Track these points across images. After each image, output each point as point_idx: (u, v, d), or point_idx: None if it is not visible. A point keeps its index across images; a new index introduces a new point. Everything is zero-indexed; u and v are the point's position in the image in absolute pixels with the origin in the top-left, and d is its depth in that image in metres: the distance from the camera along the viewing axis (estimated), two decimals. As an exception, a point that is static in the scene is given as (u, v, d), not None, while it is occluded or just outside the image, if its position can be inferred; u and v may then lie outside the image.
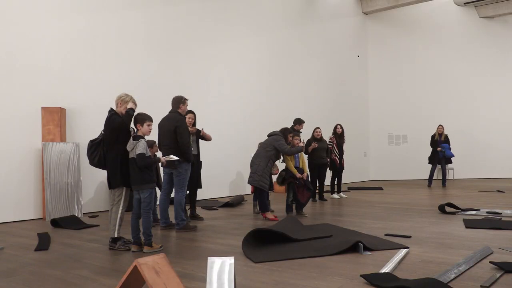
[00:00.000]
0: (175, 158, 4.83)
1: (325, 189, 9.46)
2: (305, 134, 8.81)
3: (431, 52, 15.81)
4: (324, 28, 14.14)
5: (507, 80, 15.57)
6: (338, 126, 9.50)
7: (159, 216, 6.12)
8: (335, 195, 9.52)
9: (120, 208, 4.60)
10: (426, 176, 14.65)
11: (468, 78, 15.61)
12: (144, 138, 4.48)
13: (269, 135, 6.91)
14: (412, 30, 16.03)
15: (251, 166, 6.74)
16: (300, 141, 7.28)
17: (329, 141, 9.29)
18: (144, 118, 4.48)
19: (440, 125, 11.80)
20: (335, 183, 9.59)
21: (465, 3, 15.72)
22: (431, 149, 12.01)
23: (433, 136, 11.83)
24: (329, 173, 9.47)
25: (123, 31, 8.47)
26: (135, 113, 4.59)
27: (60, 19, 7.54)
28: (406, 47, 15.95)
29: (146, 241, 4.41)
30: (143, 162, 4.34)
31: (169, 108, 5.85)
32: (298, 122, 8.38)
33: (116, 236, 4.57)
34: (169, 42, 9.34)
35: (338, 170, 9.44)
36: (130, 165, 4.45)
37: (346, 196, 9.80)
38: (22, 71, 7.03)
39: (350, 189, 11.99)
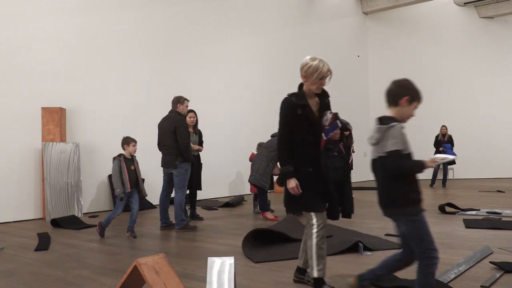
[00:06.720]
0: (452, 157, 2.46)
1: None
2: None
3: (431, 52, 15.80)
4: (324, 28, 14.13)
5: (507, 80, 15.56)
6: None
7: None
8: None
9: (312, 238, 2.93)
10: (426, 176, 14.68)
11: (468, 78, 15.61)
12: (400, 123, 2.42)
13: (272, 136, 6.91)
14: (412, 30, 16.02)
15: (253, 165, 6.74)
16: None
17: None
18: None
19: (443, 126, 11.94)
20: None
21: (465, 3, 15.71)
22: (431, 149, 12.02)
23: (436, 137, 11.97)
24: None
25: (123, 31, 8.46)
26: None
27: (60, 19, 7.54)
28: (406, 47, 15.95)
29: None
30: (406, 167, 2.36)
31: (169, 108, 5.86)
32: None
33: (316, 276, 2.93)
34: (169, 42, 9.33)
35: None
36: (374, 170, 2.53)
37: (353, 196, 9.77)
38: (22, 71, 7.03)
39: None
